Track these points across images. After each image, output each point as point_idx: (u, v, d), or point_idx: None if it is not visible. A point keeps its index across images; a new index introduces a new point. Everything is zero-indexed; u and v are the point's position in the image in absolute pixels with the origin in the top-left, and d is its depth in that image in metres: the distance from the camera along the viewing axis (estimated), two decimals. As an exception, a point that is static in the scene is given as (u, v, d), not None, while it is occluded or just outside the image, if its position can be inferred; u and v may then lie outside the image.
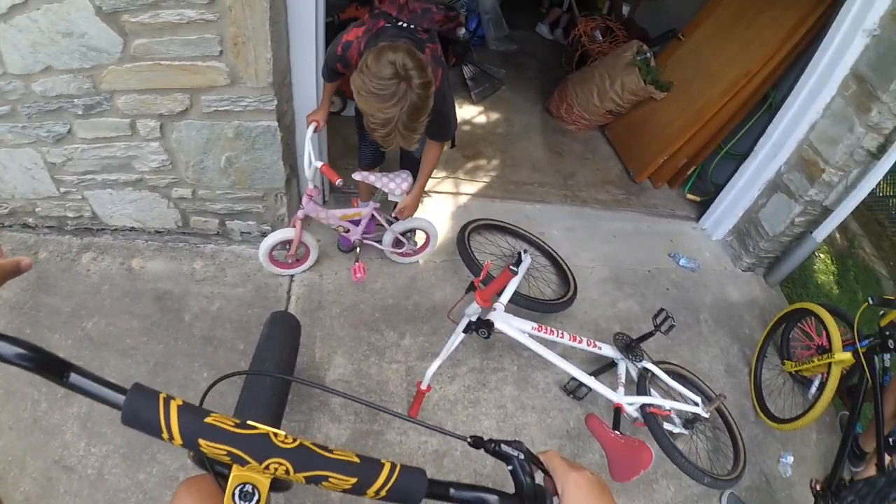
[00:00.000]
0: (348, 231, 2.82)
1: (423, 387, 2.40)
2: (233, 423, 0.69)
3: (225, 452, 0.68)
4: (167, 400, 0.68)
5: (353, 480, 0.71)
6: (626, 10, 5.83)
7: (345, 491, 0.71)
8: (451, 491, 0.77)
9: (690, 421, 2.52)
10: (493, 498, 0.78)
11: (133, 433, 2.18)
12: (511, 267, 2.00)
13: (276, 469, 0.69)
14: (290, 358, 1.90)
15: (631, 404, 2.43)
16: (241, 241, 3.08)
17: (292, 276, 2.97)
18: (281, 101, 2.49)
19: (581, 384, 2.62)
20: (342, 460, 0.71)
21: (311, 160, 2.43)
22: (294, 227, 2.66)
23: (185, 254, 3.00)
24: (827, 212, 3.28)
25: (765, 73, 3.65)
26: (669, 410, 2.45)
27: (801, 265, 3.76)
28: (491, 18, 5.62)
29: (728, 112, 3.86)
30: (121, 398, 0.68)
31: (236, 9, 2.07)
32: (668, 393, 2.63)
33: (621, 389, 2.49)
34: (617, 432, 2.22)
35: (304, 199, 2.56)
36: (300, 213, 2.60)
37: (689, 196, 4.32)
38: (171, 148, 2.56)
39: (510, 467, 0.81)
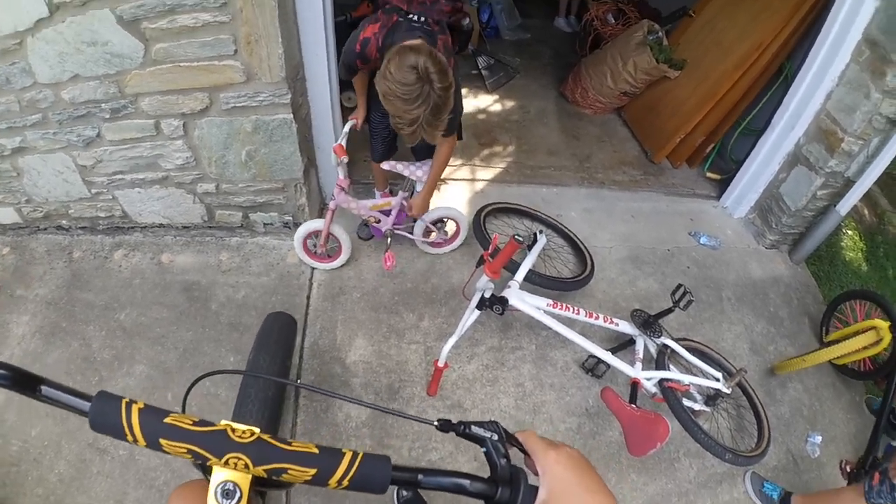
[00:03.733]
0: (379, 221, 2.87)
1: (440, 364, 2.42)
2: (191, 422, 0.70)
3: (185, 450, 0.69)
4: (129, 404, 0.69)
5: (313, 471, 0.70)
6: (637, -9, 5.77)
7: (306, 482, 0.71)
8: (420, 477, 0.76)
9: (712, 397, 2.49)
10: (464, 482, 0.76)
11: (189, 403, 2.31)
12: (515, 237, 2.00)
13: (235, 464, 0.69)
14: (285, 357, 1.93)
15: (649, 379, 2.42)
16: (265, 232, 3.19)
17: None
18: (295, 95, 2.58)
19: (599, 362, 2.62)
20: (300, 452, 0.71)
21: (341, 137, 2.56)
22: (325, 217, 2.75)
23: (211, 247, 3.12)
24: (850, 183, 3.21)
25: (777, 44, 3.58)
26: (688, 385, 2.42)
27: (827, 241, 3.69)
28: (503, 8, 5.62)
29: (743, 86, 3.79)
30: (87, 405, 0.70)
31: (247, 9, 2.18)
32: (688, 370, 2.61)
33: (639, 365, 2.48)
34: (633, 405, 2.22)
35: (335, 190, 2.64)
36: (331, 204, 2.68)
37: (709, 174, 4.26)
38: (195, 145, 2.68)
39: (484, 449, 0.80)
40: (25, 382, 0.72)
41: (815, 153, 3.25)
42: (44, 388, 0.72)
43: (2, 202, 2.96)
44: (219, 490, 0.71)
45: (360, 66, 2.33)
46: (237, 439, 0.70)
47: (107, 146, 2.66)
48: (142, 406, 0.69)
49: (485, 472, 0.79)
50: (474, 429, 0.80)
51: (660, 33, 4.24)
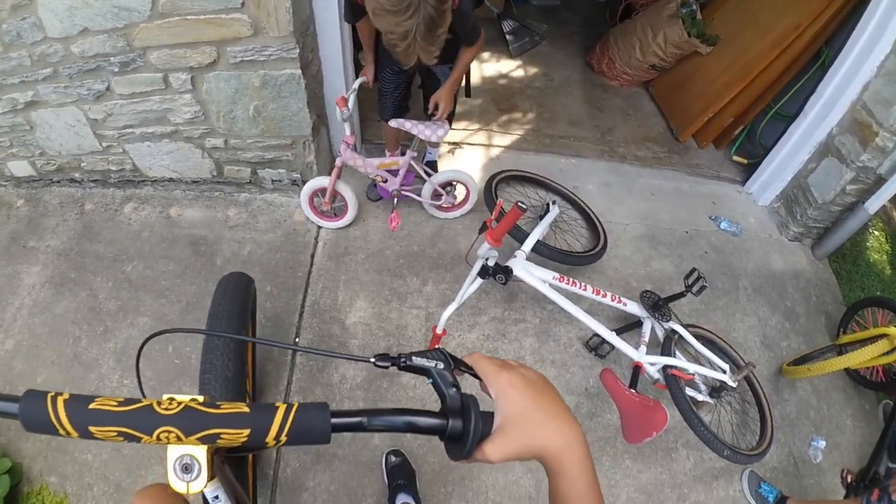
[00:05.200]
0: (386, 181, 2.81)
1: (438, 331, 2.35)
2: (116, 403, 0.65)
3: (115, 433, 0.64)
4: (54, 398, 0.65)
5: (246, 432, 0.66)
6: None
7: (244, 445, 0.67)
8: (363, 420, 0.71)
9: (717, 389, 2.39)
10: (412, 419, 0.71)
11: (163, 366, 2.32)
12: (519, 203, 1.89)
13: (167, 438, 0.65)
14: (243, 317, 1.89)
15: (652, 364, 2.33)
16: (273, 189, 3.20)
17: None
18: (304, 50, 2.56)
19: (604, 341, 2.52)
20: (231, 413, 0.66)
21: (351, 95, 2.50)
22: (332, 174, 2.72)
23: (219, 202, 3.14)
24: (881, 181, 3.05)
25: (816, 27, 3.40)
26: (693, 375, 2.33)
27: (852, 239, 3.54)
28: (536, -28, 5.42)
29: (777, 68, 3.62)
30: (15, 408, 0.65)
31: None
32: (695, 358, 2.51)
33: (643, 349, 2.39)
34: (632, 390, 2.13)
35: (342, 147, 2.61)
36: (338, 161, 2.66)
37: (736, 158, 4.10)
38: (203, 99, 2.67)
39: (430, 380, 0.75)
40: None
41: (847, 145, 3.09)
42: None
43: (16, 155, 3.01)
44: (177, 466, 0.68)
45: (361, 2, 2.18)
46: (163, 412, 0.65)
47: (117, 100, 2.67)
48: (66, 397, 0.65)
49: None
50: (416, 360, 0.75)
51: (694, 6, 4.05)
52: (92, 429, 0.64)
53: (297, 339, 2.58)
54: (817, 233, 3.53)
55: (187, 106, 2.69)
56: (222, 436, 0.66)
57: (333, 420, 0.68)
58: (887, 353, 2.55)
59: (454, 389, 0.73)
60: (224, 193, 3.16)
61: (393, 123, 2.58)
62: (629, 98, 4.52)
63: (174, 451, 0.67)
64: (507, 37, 4.69)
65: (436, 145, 2.88)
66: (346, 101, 2.45)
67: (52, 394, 0.65)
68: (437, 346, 0.79)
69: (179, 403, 0.66)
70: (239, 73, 2.55)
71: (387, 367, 0.75)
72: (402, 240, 3.00)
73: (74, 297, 2.65)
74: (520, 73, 4.54)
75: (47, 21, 2.32)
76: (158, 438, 0.65)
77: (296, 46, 2.44)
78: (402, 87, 2.75)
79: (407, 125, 2.55)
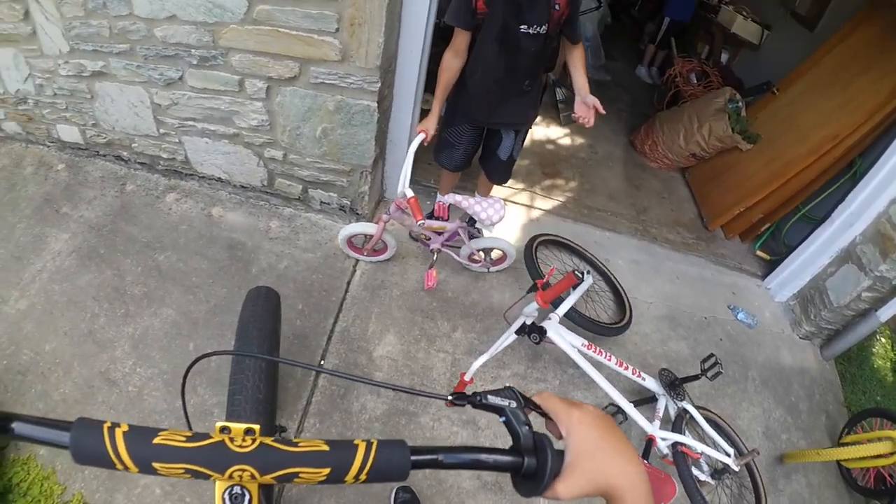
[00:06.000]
0: (429, 239, 2.89)
1: (467, 378, 2.46)
2: (184, 438, 0.63)
3: (182, 470, 0.62)
4: (112, 429, 0.62)
5: (327, 471, 0.65)
6: (724, 57, 5.82)
7: (321, 482, 0.66)
8: (440, 457, 0.71)
9: (719, 471, 2.50)
10: (487, 457, 0.72)
11: (180, 362, 2.35)
12: (575, 272, 2.06)
13: (240, 476, 0.63)
14: (274, 336, 1.77)
15: (664, 439, 2.45)
16: (320, 210, 3.24)
17: (361, 253, 3.09)
18: (383, 86, 2.61)
19: (618, 411, 2.64)
20: (310, 452, 0.65)
21: (405, 179, 2.47)
22: (377, 223, 2.75)
23: (263, 212, 3.18)
24: (895, 291, 3.20)
25: (854, 138, 3.59)
26: (700, 454, 2.45)
27: (860, 344, 3.67)
28: (591, 46, 5.69)
29: (811, 173, 3.81)
30: (66, 436, 0.61)
31: None
32: (702, 439, 2.63)
33: (657, 423, 2.51)
34: (645, 461, 2.26)
35: (392, 207, 2.64)
36: (385, 216, 2.69)
37: (759, 253, 4.27)
38: (273, 110, 2.73)
39: (503, 418, 0.75)
40: None
41: (868, 254, 3.25)
42: (16, 426, 0.63)
43: (68, 120, 3.03)
44: (226, 496, 0.68)
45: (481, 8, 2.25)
46: (237, 449, 0.64)
47: (186, 91, 2.72)
48: (126, 429, 0.62)
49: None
50: (491, 398, 0.76)
51: (740, 103, 4.28)
52: (156, 465, 0.62)
53: (322, 362, 2.58)
54: (828, 334, 3.65)
55: (256, 113, 2.73)
56: (301, 475, 0.64)
57: (413, 457, 0.69)
58: (886, 455, 2.67)
59: (527, 428, 0.74)
60: (270, 204, 3.21)
61: (448, 199, 2.63)
62: (666, 181, 4.73)
63: (223, 482, 0.66)
64: (559, 104, 4.93)
65: (490, 228, 2.83)
66: (421, 214, 2.40)
67: (109, 424, 0.62)
68: (507, 385, 0.78)
69: (254, 440, 0.65)
70: (316, 94, 2.60)
71: (462, 405, 0.77)
72: (438, 284, 3.09)
73: (100, 273, 2.64)
74: (567, 141, 4.77)
75: None
76: (231, 477, 0.63)
77: (378, 80, 2.49)
78: (475, 142, 2.87)
79: (463, 204, 2.57)
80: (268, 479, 0.64)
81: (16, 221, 2.83)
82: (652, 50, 6.30)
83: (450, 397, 0.77)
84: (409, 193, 2.44)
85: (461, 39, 2.42)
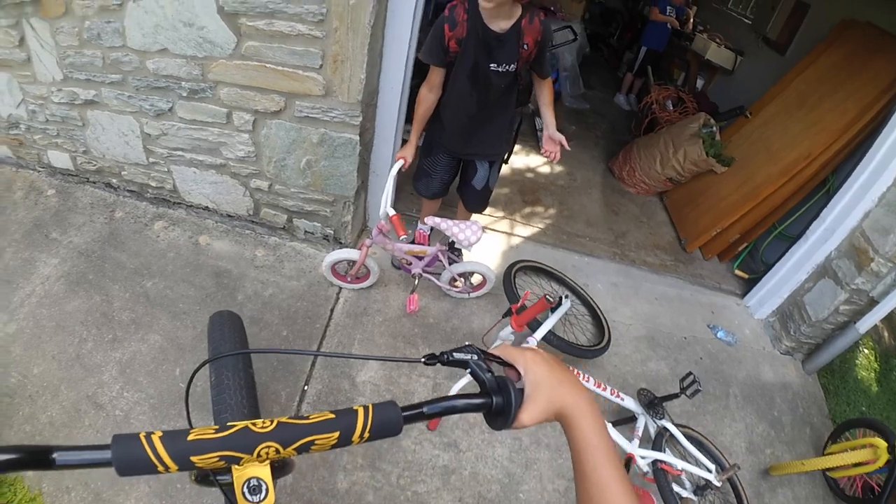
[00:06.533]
0: (411, 263, 2.96)
1: (447, 404, 2.50)
2: (213, 430, 0.72)
3: (217, 458, 0.70)
4: (148, 437, 0.68)
5: (336, 435, 0.75)
6: (699, 83, 5.98)
7: (333, 446, 0.76)
8: (425, 409, 0.83)
9: (701, 487, 2.53)
10: (463, 401, 0.83)
11: (167, 388, 2.39)
12: (547, 297, 2.11)
13: (266, 453, 0.72)
14: (248, 367, 1.74)
15: (644, 458, 2.47)
16: (304, 239, 3.31)
17: (343, 281, 3.13)
18: (365, 119, 2.72)
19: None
20: (320, 421, 0.75)
21: (387, 201, 2.56)
22: (360, 249, 2.82)
23: (249, 240, 3.24)
24: (873, 303, 3.26)
25: (825, 157, 3.70)
26: (681, 471, 2.48)
27: (841, 356, 3.70)
28: (569, 76, 5.83)
29: (785, 193, 3.90)
30: (107, 454, 0.67)
31: (341, 31, 2.32)
32: (683, 457, 2.66)
33: (636, 442, 2.53)
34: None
35: (374, 232, 2.71)
36: (367, 241, 2.76)
37: (738, 272, 4.33)
38: (259, 142, 2.82)
39: (469, 370, 0.87)
40: (38, 458, 0.66)
41: (843, 268, 3.32)
42: (57, 457, 0.67)
43: (59, 146, 3.10)
44: (245, 489, 0.75)
45: (448, 35, 2.35)
46: (260, 430, 0.73)
47: (176, 122, 2.79)
48: (161, 434, 0.69)
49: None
50: (456, 354, 0.88)
51: (714, 128, 4.39)
52: (193, 458, 0.69)
53: (305, 388, 2.58)
54: (809, 348, 3.70)
55: (242, 145, 2.81)
56: (316, 442, 0.75)
57: (403, 413, 0.81)
58: (869, 462, 2.70)
59: (490, 374, 0.86)
60: (255, 233, 3.26)
61: (429, 221, 2.69)
62: (644, 205, 4.82)
63: (240, 475, 0.75)
64: (538, 133, 5.02)
65: (469, 248, 2.94)
66: (404, 229, 2.52)
67: (143, 434, 0.68)
68: (467, 343, 0.90)
69: (272, 421, 0.74)
70: (300, 127, 2.69)
71: (434, 364, 0.87)
72: (420, 309, 3.14)
73: (88, 298, 2.67)
74: (546, 169, 4.87)
75: (130, 31, 2.44)
76: (259, 455, 0.72)
77: (360, 115, 2.59)
78: (451, 172, 2.95)
79: (442, 226, 2.65)
80: (290, 451, 0.73)
81: (5, 245, 2.87)
82: (630, 78, 6.45)
83: (422, 359, 0.87)
84: (392, 212, 2.52)
85: (436, 75, 2.53)
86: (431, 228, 2.89)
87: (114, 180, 3.23)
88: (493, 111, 2.64)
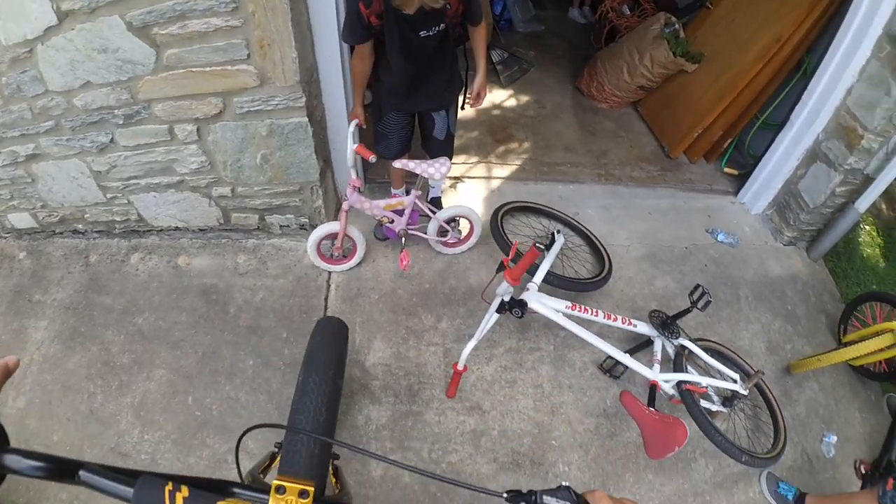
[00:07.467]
0: (392, 221, 2.89)
1: (460, 367, 2.45)
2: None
3: None
4: (173, 492, 0.66)
5: None
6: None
7: None
8: None
9: (729, 399, 2.51)
10: None
11: (184, 419, 2.34)
12: (537, 244, 2.03)
13: None
14: (336, 375, 1.76)
15: (667, 381, 2.44)
16: (281, 234, 3.23)
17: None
18: (310, 98, 2.61)
19: (617, 363, 2.63)
20: None
21: (350, 158, 2.54)
22: (339, 220, 2.76)
23: (228, 249, 3.16)
24: (869, 180, 3.19)
25: (797, 37, 3.54)
26: (706, 387, 2.44)
27: (845, 238, 3.66)
28: (517, 0, 5.58)
29: (762, 80, 3.76)
30: (129, 492, 0.66)
31: (259, 13, 2.19)
32: (705, 370, 2.62)
33: (657, 367, 2.49)
34: (652, 409, 2.24)
35: (348, 191, 2.67)
36: (345, 205, 2.70)
37: (727, 169, 4.23)
38: (209, 149, 2.71)
39: None
40: (65, 469, 0.68)
41: (834, 150, 3.23)
42: (83, 474, 0.68)
43: (17, 207, 2.99)
44: None
45: (365, 13, 2.26)
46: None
47: (121, 151, 2.69)
48: (187, 494, 0.66)
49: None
50: (546, 499, 0.77)
51: (676, 26, 4.21)
52: None
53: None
54: (811, 235, 3.66)
55: (193, 156, 2.72)
56: None
57: None
58: (891, 346, 2.68)
59: None
60: (231, 240, 3.19)
61: (397, 164, 2.68)
62: (619, 119, 4.67)
63: None
64: (497, 66, 4.84)
65: (440, 180, 3.06)
66: (370, 152, 2.53)
67: (170, 487, 0.66)
68: (563, 484, 0.79)
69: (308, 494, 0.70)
70: (245, 123, 2.59)
71: None
72: (413, 278, 3.09)
73: (86, 351, 2.63)
74: (512, 102, 4.68)
75: (48, 74, 2.32)
76: None
77: (302, 95, 2.49)
78: (407, 128, 2.87)
79: (410, 165, 2.66)
80: None
81: (-7, 322, 2.81)
82: (581, -10, 6.20)
83: (505, 495, 0.78)
84: (354, 146, 2.52)
85: (364, 47, 2.45)
86: (407, 191, 2.85)
87: (79, 226, 3.13)
88: (432, 67, 2.58)
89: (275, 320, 2.82)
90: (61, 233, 3.16)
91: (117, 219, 3.07)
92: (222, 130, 2.61)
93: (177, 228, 3.17)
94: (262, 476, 1.47)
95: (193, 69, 2.34)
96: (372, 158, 2.51)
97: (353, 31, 2.34)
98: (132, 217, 3.07)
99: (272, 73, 2.39)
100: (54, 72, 2.32)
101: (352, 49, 2.50)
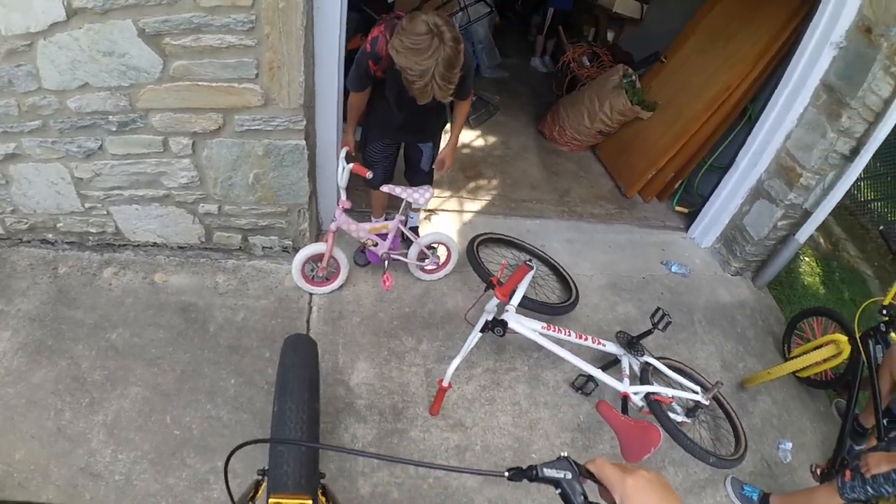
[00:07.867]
0: (376, 245, 3.00)
1: (445, 384, 2.57)
2: None
3: None
4: None
5: None
6: (610, 36, 6.15)
7: None
8: None
9: (692, 409, 2.72)
10: None
11: (162, 438, 2.35)
12: (527, 262, 2.20)
13: None
14: (314, 391, 1.70)
15: (636, 393, 2.63)
16: (263, 255, 3.23)
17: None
18: (308, 122, 2.67)
19: (588, 380, 2.82)
20: None
21: (343, 167, 2.62)
22: (325, 241, 2.84)
23: (206, 269, 3.14)
24: (807, 214, 3.51)
25: (744, 86, 3.90)
26: (672, 398, 2.65)
27: (787, 268, 4.00)
28: (484, 47, 5.90)
29: (711, 126, 4.11)
30: None
31: (273, 36, 2.25)
32: (669, 385, 2.83)
33: (626, 381, 2.69)
34: (625, 415, 2.42)
35: (337, 212, 2.75)
36: (332, 226, 2.78)
37: (678, 208, 4.57)
38: (201, 165, 2.69)
39: (559, 490, 0.77)
40: None
41: (776, 188, 3.55)
42: None
43: None
44: None
45: (373, 69, 2.39)
46: None
47: (108, 160, 2.61)
48: None
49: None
50: (547, 471, 0.78)
51: (633, 77, 4.56)
52: None
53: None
54: (756, 265, 3.98)
55: (184, 171, 2.68)
56: None
57: None
58: (835, 355, 2.97)
59: (582, 498, 0.77)
60: (211, 260, 3.15)
61: (384, 189, 2.80)
62: (579, 161, 4.98)
63: None
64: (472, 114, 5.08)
65: (418, 211, 3.23)
66: (366, 169, 2.62)
67: None
68: (563, 455, 0.80)
69: None
70: (243, 142, 2.58)
71: (520, 481, 0.79)
72: (393, 302, 3.18)
73: (53, 366, 2.50)
74: (480, 142, 4.94)
75: (45, 71, 2.23)
76: None
77: (303, 119, 2.53)
78: (391, 158, 3.01)
79: (397, 190, 2.78)
80: None
81: (-51, 331, 2.67)
82: (541, 41, 6.54)
83: (507, 474, 0.80)
84: (350, 165, 2.60)
85: (353, 99, 2.62)
86: (385, 217, 3.00)
87: (49, 235, 2.98)
88: (422, 112, 2.65)
89: (257, 340, 2.80)
90: (29, 241, 3.00)
91: (92, 230, 2.96)
92: (218, 147, 2.61)
93: (154, 244, 3.08)
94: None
95: (200, 83, 2.34)
96: (369, 174, 2.60)
97: (360, 81, 2.49)
98: (109, 230, 2.97)
99: (277, 95, 2.43)
100: (52, 69, 2.24)
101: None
